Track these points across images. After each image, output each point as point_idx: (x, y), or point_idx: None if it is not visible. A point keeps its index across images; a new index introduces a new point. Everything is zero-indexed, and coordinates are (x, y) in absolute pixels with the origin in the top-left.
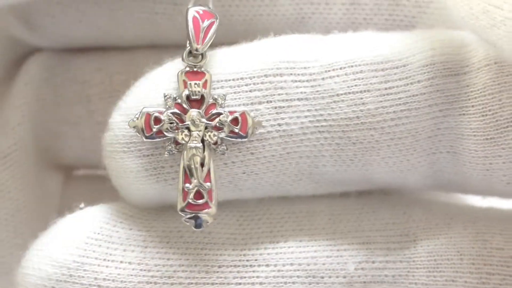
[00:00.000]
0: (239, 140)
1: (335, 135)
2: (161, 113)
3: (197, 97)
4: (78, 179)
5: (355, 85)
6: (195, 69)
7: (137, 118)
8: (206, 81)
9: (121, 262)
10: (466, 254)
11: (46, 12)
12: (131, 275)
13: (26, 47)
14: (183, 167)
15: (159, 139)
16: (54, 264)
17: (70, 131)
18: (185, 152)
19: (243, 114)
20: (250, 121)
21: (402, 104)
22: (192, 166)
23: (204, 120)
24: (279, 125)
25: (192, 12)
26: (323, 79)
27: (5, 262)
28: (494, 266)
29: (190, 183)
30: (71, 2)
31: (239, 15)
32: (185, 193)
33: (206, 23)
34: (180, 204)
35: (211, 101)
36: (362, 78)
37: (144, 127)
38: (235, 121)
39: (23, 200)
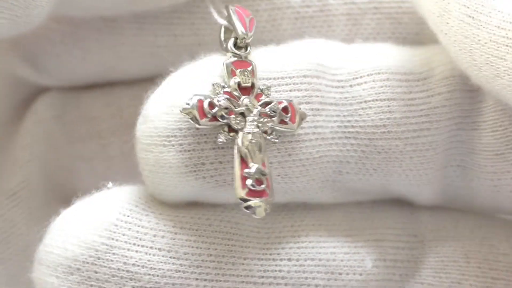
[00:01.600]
0: (289, 130)
1: (362, 142)
2: (213, 99)
3: (248, 84)
4: None
5: (383, 92)
6: (241, 59)
7: (189, 105)
8: (253, 70)
9: (151, 248)
10: (473, 257)
11: (50, 52)
12: (161, 262)
13: (33, 86)
14: (239, 153)
15: (213, 125)
16: (81, 244)
17: (83, 167)
18: (241, 138)
19: (290, 104)
20: (297, 112)
21: (424, 116)
22: (251, 152)
23: (258, 106)
24: (315, 127)
25: (233, 7)
26: (351, 86)
27: None
28: (500, 271)
29: (248, 167)
30: (74, 41)
31: None
32: (244, 179)
33: (249, 17)
34: (239, 191)
35: (258, 91)
36: (389, 86)
37: (198, 114)
38: (284, 110)
39: (33, 236)
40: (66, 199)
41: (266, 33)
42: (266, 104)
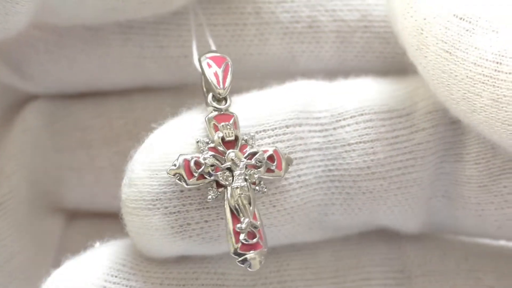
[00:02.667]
0: (277, 177)
1: (346, 184)
2: (198, 158)
3: (231, 138)
4: (79, 220)
5: (366, 134)
6: (222, 112)
7: (175, 166)
8: (235, 122)
9: None
10: None
11: (35, 60)
12: None
13: (21, 93)
14: (230, 208)
15: (201, 184)
16: None
17: (71, 177)
18: (230, 193)
19: (275, 151)
20: (283, 158)
21: (408, 153)
22: (241, 206)
23: (243, 159)
24: (299, 176)
25: (205, 60)
26: (334, 129)
27: None
28: None
29: (240, 222)
30: (60, 50)
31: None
32: (237, 234)
33: (222, 67)
34: (233, 246)
35: (243, 142)
36: (372, 127)
37: (185, 174)
38: (270, 158)
39: (18, 246)
40: (52, 207)
41: (254, 47)
42: (252, 155)
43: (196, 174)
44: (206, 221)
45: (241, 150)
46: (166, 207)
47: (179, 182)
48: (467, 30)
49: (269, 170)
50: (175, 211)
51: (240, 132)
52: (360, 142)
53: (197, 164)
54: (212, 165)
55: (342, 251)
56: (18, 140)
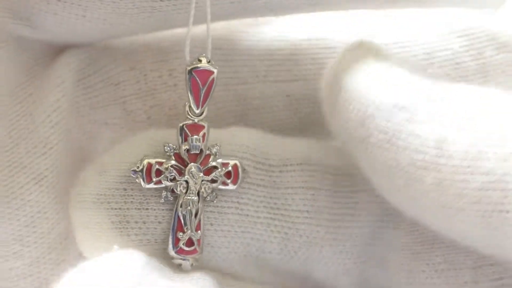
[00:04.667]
0: (229, 189)
1: (285, 224)
2: (160, 164)
3: (197, 151)
4: None
5: (309, 181)
6: (195, 121)
7: (138, 167)
8: (204, 134)
9: None
10: None
11: (46, 10)
12: None
13: (45, 46)
14: (178, 216)
15: (157, 187)
16: None
17: (107, 132)
18: (182, 202)
19: (235, 166)
20: (240, 173)
21: (346, 209)
22: (187, 217)
23: (201, 175)
24: (239, 203)
25: (191, 75)
26: (280, 171)
27: (39, 277)
28: None
29: (183, 231)
30: None
31: None
32: (177, 240)
33: (205, 85)
34: (172, 249)
35: (207, 152)
36: (316, 177)
37: (145, 176)
38: (228, 174)
39: (57, 217)
40: (85, 162)
41: None
42: (211, 169)
43: (154, 180)
44: (144, 222)
45: (204, 160)
46: (108, 203)
47: (137, 181)
48: (407, 120)
49: (224, 183)
50: (116, 207)
51: (207, 144)
52: (303, 188)
53: (158, 172)
54: (171, 174)
55: None
56: (54, 99)
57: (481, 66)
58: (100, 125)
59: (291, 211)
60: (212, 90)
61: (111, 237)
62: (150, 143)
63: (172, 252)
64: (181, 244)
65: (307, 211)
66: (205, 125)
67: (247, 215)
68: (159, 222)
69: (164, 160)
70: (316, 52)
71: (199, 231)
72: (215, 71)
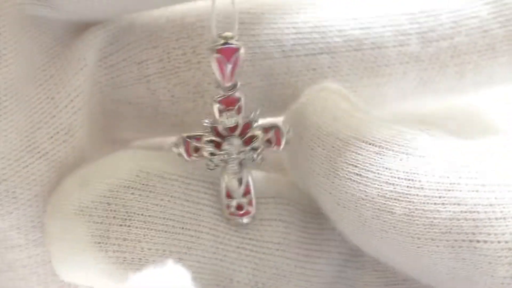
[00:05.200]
0: (274, 151)
1: (257, 255)
2: (199, 139)
3: (232, 124)
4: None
5: (283, 215)
6: (228, 95)
7: (176, 146)
8: (239, 107)
9: None
10: None
11: None
12: None
13: (64, 24)
14: (224, 186)
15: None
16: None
17: (130, 111)
18: (226, 175)
19: (276, 131)
20: (284, 135)
21: (315, 245)
22: (231, 187)
23: (241, 146)
24: (216, 230)
25: (214, 57)
26: (256, 203)
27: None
28: None
29: (232, 198)
30: None
31: None
32: (227, 207)
33: (231, 63)
34: (225, 214)
35: (246, 121)
36: (289, 210)
37: (184, 153)
38: (269, 140)
39: None
40: (107, 140)
41: None
42: (251, 139)
43: (194, 155)
44: (125, 239)
45: (243, 130)
46: (90, 215)
47: (179, 155)
48: (377, 154)
49: (267, 148)
50: (98, 221)
51: (243, 114)
52: (276, 220)
53: (196, 149)
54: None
55: None
56: (78, 84)
57: (509, 33)
58: (123, 105)
59: (263, 242)
60: (237, 66)
61: (87, 252)
62: (133, 160)
63: (226, 215)
64: (232, 210)
65: (279, 243)
66: (240, 96)
67: (221, 242)
68: (139, 241)
69: (202, 134)
70: (341, 24)
71: (248, 195)
72: (241, 47)
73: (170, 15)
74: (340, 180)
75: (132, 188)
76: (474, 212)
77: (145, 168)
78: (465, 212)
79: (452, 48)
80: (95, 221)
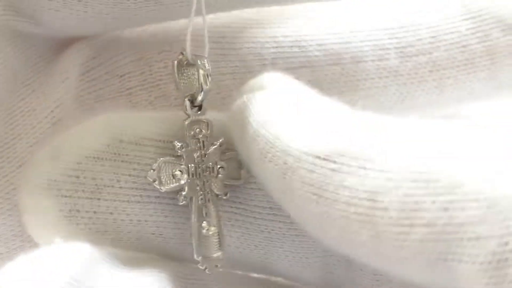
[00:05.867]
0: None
1: (247, 219)
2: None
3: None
4: None
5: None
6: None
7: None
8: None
9: None
10: None
11: (49, 7)
12: None
13: (50, 41)
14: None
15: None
16: None
17: None
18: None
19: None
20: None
21: None
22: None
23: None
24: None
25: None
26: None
27: None
28: None
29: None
30: None
31: None
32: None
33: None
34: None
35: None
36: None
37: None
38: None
39: None
40: None
41: None
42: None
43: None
44: (95, 212)
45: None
46: (59, 190)
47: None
48: (333, 170)
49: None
50: (67, 195)
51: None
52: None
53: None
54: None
55: None
56: (58, 96)
57: (487, 48)
58: None
59: (253, 206)
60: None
61: (59, 226)
62: (106, 128)
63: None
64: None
65: (270, 208)
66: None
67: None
68: (111, 213)
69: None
70: (321, 38)
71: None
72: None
73: (153, 29)
74: (299, 199)
75: (102, 159)
76: (445, 233)
77: (118, 135)
78: (436, 233)
79: (430, 63)
80: (64, 195)
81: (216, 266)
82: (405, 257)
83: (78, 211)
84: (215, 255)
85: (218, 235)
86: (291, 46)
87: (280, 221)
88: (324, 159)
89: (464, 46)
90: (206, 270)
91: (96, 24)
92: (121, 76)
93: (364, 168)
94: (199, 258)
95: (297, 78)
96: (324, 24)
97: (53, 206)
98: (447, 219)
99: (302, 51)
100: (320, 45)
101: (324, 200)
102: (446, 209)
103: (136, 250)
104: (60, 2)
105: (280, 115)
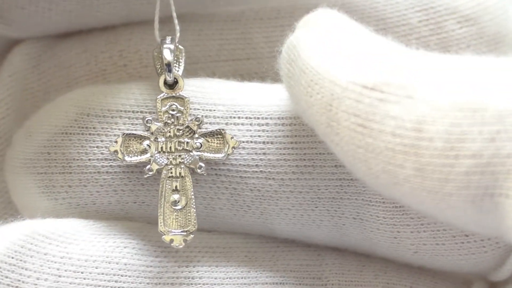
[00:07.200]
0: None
1: (233, 180)
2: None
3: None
4: None
5: (258, 136)
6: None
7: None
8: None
9: None
10: None
11: (15, 4)
12: None
13: (5, 39)
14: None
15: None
16: None
17: None
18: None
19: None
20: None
21: (307, 160)
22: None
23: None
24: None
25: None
26: (226, 124)
27: None
28: None
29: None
30: None
31: None
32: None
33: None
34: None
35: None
36: (267, 131)
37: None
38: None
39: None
40: None
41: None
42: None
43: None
44: (70, 186)
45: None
46: (34, 167)
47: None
48: (380, 100)
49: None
50: (41, 172)
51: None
52: (251, 142)
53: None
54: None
55: (257, 253)
56: (6, 85)
57: (441, 40)
58: None
59: (237, 165)
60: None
61: (39, 202)
62: (73, 104)
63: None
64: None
65: (256, 165)
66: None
67: (190, 172)
68: (85, 186)
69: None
70: (269, 31)
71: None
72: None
73: (99, 27)
74: (344, 131)
75: (70, 134)
76: (491, 165)
77: (85, 109)
78: (482, 165)
79: None
80: (39, 172)
81: (185, 240)
82: (449, 192)
83: (53, 186)
84: (186, 229)
85: (189, 208)
86: (238, 39)
87: (269, 178)
88: (371, 88)
89: (417, 39)
90: (172, 244)
91: (61, 22)
92: (67, 68)
93: (411, 98)
94: (164, 231)
95: (244, 70)
96: (269, 15)
97: (31, 183)
98: (494, 150)
99: (248, 44)
100: (266, 37)
101: (370, 131)
102: (493, 140)
103: (127, 220)
104: (25, 0)
105: (329, 49)
